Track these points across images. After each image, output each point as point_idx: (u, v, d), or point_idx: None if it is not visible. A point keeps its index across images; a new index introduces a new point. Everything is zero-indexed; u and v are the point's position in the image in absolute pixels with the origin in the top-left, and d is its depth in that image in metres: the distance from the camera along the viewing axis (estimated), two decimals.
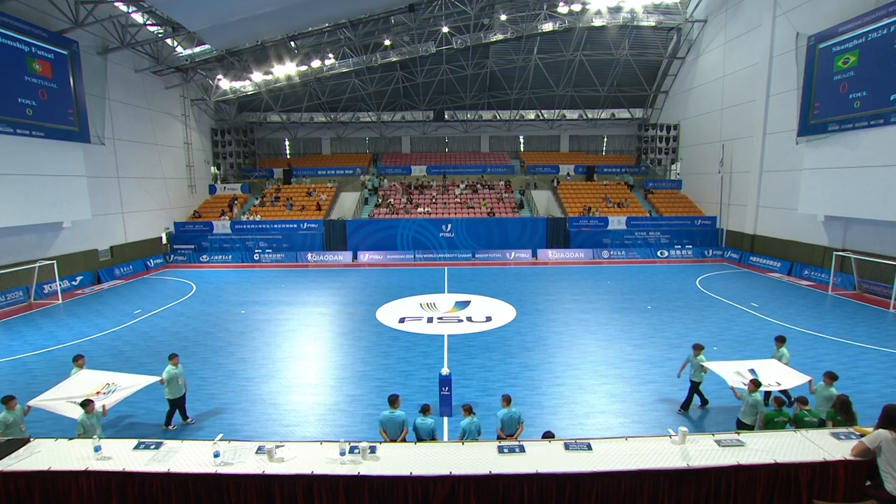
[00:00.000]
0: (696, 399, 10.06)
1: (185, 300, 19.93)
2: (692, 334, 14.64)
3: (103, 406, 8.00)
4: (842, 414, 6.89)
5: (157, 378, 9.26)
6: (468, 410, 7.32)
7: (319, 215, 31.08)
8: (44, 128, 19.68)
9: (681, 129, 35.42)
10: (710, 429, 8.66)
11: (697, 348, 9.87)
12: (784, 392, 9.53)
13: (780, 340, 10.09)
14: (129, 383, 9.13)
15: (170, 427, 9.48)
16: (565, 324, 15.95)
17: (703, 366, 9.64)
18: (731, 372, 9.05)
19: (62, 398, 8.34)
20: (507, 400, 7.62)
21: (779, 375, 8.99)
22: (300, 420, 9.79)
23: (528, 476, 5.32)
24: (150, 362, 12.86)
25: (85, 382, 8.92)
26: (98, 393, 8.59)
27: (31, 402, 8.09)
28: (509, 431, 7.44)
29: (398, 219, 29.92)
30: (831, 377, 7.95)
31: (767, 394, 9.03)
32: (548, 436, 6.44)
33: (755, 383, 7.99)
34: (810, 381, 8.62)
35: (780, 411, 7.42)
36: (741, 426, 7.95)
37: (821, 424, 7.12)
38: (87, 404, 7.48)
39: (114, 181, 25.37)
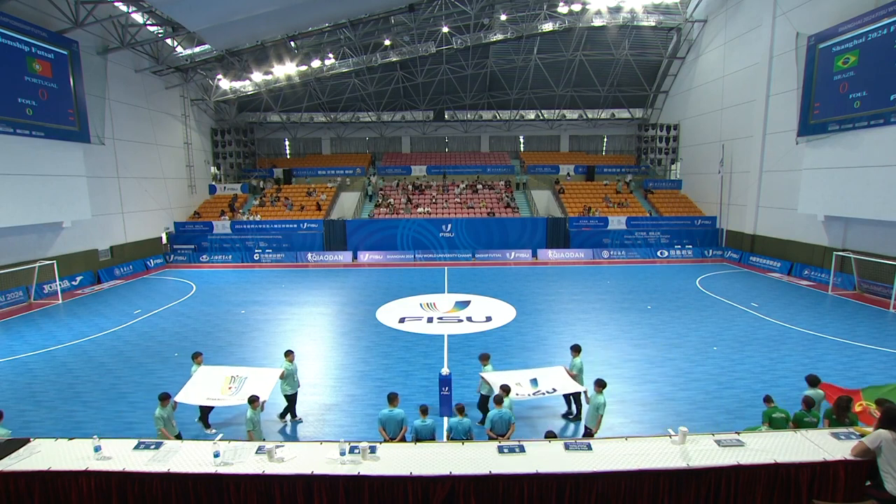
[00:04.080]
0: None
1: (185, 300, 19.93)
2: (692, 334, 14.65)
3: (263, 402, 8.07)
4: (841, 415, 6.90)
5: (280, 370, 9.36)
6: (460, 410, 7.34)
7: (319, 215, 31.08)
8: (44, 128, 19.68)
9: (681, 129, 35.41)
10: (700, 430, 8.64)
11: (484, 358, 9.46)
12: (570, 397, 9.70)
13: (576, 350, 9.76)
14: (251, 375, 9.23)
15: (291, 419, 9.64)
16: (566, 324, 15.95)
17: (482, 376, 9.19)
18: (512, 383, 8.64)
19: (200, 395, 8.64)
20: (499, 401, 7.61)
21: (556, 382, 9.09)
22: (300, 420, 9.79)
23: (528, 476, 5.32)
24: (150, 362, 12.88)
25: (212, 378, 9.04)
26: (229, 388, 8.77)
27: (177, 398, 8.27)
28: (500, 431, 7.44)
29: (398, 219, 29.91)
30: (600, 385, 8.07)
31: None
32: (550, 436, 6.44)
33: (504, 389, 7.90)
34: (584, 392, 8.70)
35: (775, 409, 7.41)
36: (494, 437, 7.66)
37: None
38: (253, 401, 7.53)
39: (114, 181, 25.36)
